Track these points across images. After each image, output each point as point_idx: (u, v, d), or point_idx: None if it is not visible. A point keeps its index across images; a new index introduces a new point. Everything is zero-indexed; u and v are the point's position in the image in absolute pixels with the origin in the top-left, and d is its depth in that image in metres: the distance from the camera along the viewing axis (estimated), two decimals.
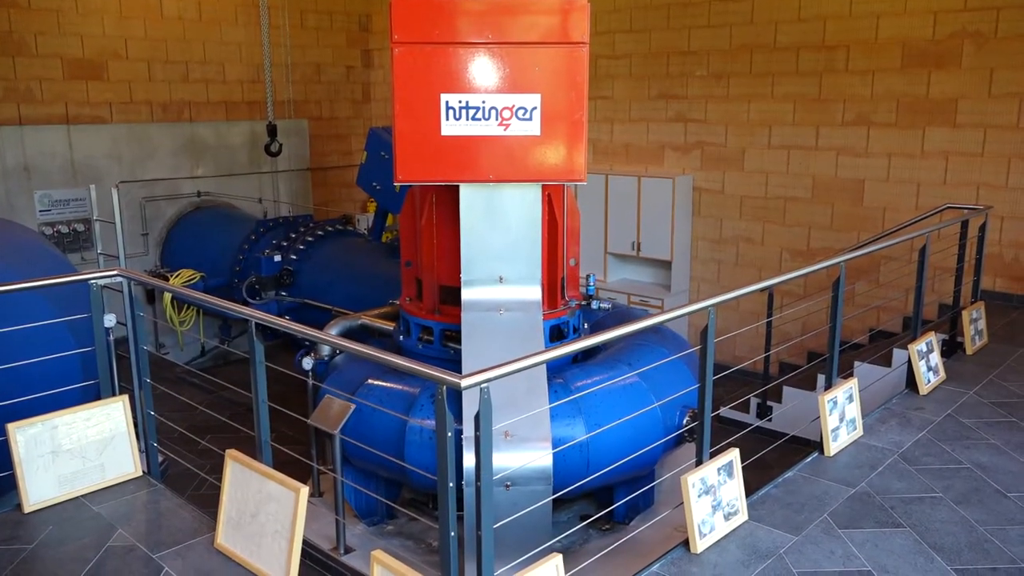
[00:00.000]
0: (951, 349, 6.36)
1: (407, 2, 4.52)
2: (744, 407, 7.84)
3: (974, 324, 6.37)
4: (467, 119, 4.59)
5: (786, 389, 7.75)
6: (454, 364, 4.88)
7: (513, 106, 4.59)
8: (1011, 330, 6.92)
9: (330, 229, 9.43)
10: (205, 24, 11.07)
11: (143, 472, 4.42)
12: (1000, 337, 6.68)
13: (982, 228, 6.66)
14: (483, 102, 4.58)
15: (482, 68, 4.55)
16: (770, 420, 7.22)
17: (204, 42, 11.10)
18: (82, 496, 4.17)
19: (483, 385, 2.99)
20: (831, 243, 8.82)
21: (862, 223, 8.57)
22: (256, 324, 3.94)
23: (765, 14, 8.91)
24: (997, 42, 7.51)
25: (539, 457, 4.36)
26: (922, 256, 5.77)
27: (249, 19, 11.43)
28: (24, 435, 4.04)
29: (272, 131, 10.99)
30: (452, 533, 3.12)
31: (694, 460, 4.05)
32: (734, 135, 9.40)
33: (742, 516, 3.89)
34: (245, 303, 8.33)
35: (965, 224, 6.49)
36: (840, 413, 4.71)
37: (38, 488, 4.06)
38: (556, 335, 5.36)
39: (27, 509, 4.01)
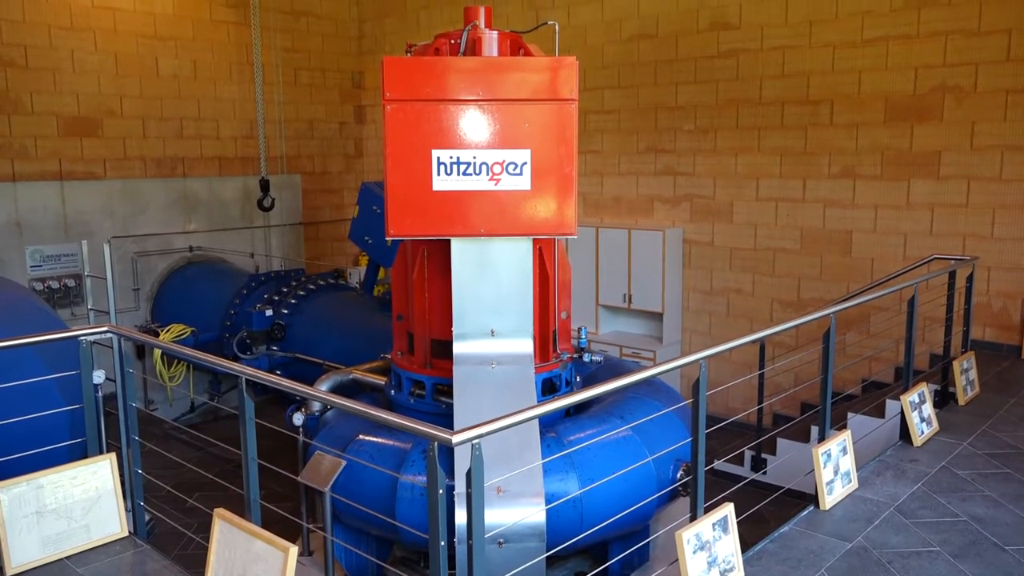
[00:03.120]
0: (943, 399, 6.35)
1: (399, 60, 4.61)
2: (738, 460, 7.79)
3: (965, 374, 6.38)
4: (458, 174, 4.64)
5: (780, 441, 7.71)
6: (446, 419, 4.84)
7: (504, 161, 4.65)
8: (1002, 380, 6.92)
9: (322, 283, 9.44)
10: (200, 82, 11.23)
11: (129, 532, 4.34)
12: (991, 387, 6.68)
13: (969, 278, 6.71)
14: (474, 157, 4.63)
15: (473, 124, 4.62)
16: (765, 473, 7.18)
17: (199, 99, 11.25)
18: (66, 558, 4.08)
19: (475, 441, 2.97)
20: (821, 294, 8.87)
21: (851, 274, 8.64)
22: (247, 380, 3.92)
23: (750, 70, 9.10)
24: (977, 96, 7.68)
25: (532, 513, 4.31)
26: (911, 307, 5.80)
27: (243, 76, 11.61)
28: (8, 495, 3.97)
29: (265, 186, 11.10)
30: None
31: (688, 515, 4.00)
32: (722, 188, 9.52)
33: (738, 572, 3.83)
34: (235, 358, 8.29)
35: (953, 275, 6.54)
36: (834, 465, 4.68)
37: (21, 550, 3.97)
38: (548, 388, 5.34)
39: (9, 572, 3.92)
